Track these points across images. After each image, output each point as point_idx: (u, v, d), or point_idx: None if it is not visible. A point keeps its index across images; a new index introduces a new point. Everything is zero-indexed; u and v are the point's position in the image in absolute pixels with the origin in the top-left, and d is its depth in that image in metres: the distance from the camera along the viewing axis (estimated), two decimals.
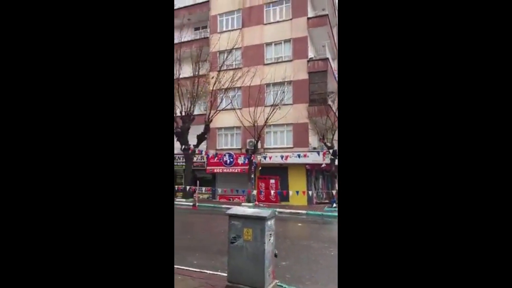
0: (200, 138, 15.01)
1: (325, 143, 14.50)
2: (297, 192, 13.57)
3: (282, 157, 14.30)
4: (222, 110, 15.12)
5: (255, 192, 14.24)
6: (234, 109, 15.05)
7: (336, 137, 14.15)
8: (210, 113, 14.82)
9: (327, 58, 15.60)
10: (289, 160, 14.34)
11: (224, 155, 15.59)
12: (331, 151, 14.04)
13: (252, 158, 14.19)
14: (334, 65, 16.96)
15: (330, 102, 15.05)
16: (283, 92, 14.84)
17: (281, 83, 15.23)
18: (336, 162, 14.19)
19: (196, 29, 19.32)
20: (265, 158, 14.70)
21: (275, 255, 3.52)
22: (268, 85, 15.68)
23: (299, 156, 14.05)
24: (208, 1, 18.13)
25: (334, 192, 13.10)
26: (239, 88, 15.58)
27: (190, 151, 14.76)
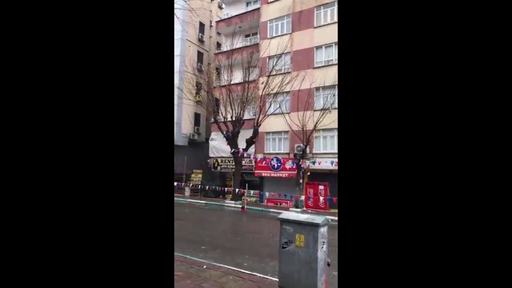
0: (249, 142, 15.32)
1: None
2: None
3: (332, 162, 13.84)
4: (271, 114, 15.23)
5: (303, 197, 13.99)
6: (282, 113, 15.06)
7: None
8: (259, 118, 15.05)
9: None
10: None
11: (272, 159, 15.64)
12: None
13: (300, 163, 14.00)
14: None
15: None
16: (334, 95, 14.39)
17: (331, 86, 14.82)
18: None
19: (247, 36, 19.86)
20: (314, 163, 14.37)
21: (328, 264, 3.40)
22: (317, 88, 15.39)
23: None
24: (258, 8, 18.55)
25: None
26: (288, 92, 15.54)
27: (239, 155, 15.14)
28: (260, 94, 14.86)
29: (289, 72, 15.90)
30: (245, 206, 12.90)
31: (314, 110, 14.25)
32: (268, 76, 14.80)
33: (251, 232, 8.32)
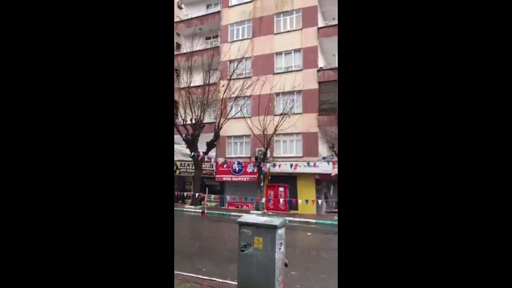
0: (210, 145, 15.12)
1: (335, 152, 14.40)
2: (306, 201, 13.45)
3: (291, 165, 14.27)
4: (232, 118, 15.24)
5: (264, 200, 14.18)
6: (244, 117, 15.16)
7: None
8: (220, 120, 14.95)
9: (337, 68, 15.61)
10: (299, 170, 14.28)
11: (234, 163, 15.63)
12: None
13: (261, 165, 14.18)
14: None
15: None
16: (293, 100, 14.87)
17: (291, 92, 15.29)
18: None
19: (207, 38, 19.59)
20: (274, 166, 14.66)
21: (285, 265, 3.50)
22: (278, 94, 15.76)
23: (308, 164, 13.98)
24: (219, 12, 18.48)
25: None
26: (249, 97, 15.70)
27: (199, 158, 14.86)
28: (221, 97, 14.80)
29: (250, 77, 16.07)
30: (205, 211, 12.69)
31: (274, 115, 14.57)
32: (229, 80, 14.81)
33: (211, 237, 8.20)
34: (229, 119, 15.15)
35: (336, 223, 11.13)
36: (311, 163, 13.98)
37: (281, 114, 14.15)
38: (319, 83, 15.30)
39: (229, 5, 18.09)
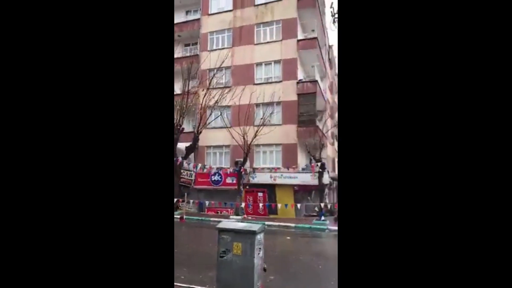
0: (189, 150, 14.94)
1: (313, 157, 14.70)
2: (286, 205, 13.60)
3: (270, 176, 14.47)
4: (212, 128, 15.14)
5: (243, 205, 14.17)
6: (224, 127, 15.09)
7: (323, 153, 14.35)
8: (199, 125, 14.82)
9: (316, 81, 15.91)
10: (278, 181, 14.51)
11: (213, 174, 15.57)
12: (319, 164, 14.22)
13: (241, 170, 14.20)
14: (323, 86, 17.28)
15: (318, 123, 15.33)
16: (272, 113, 14.96)
17: (271, 103, 15.35)
18: (324, 177, 14.37)
19: (187, 45, 19.34)
20: (253, 178, 14.81)
21: (264, 269, 3.54)
22: (258, 105, 15.72)
23: (289, 177, 14.19)
24: (199, 19, 18.35)
25: (322, 205, 13.19)
26: (229, 107, 15.67)
27: (178, 163, 14.63)
28: (200, 102, 14.68)
29: (230, 87, 15.99)
30: (184, 216, 12.50)
31: (254, 126, 14.53)
32: (208, 89, 14.67)
33: (189, 243, 8.09)
34: (209, 123, 15.05)
35: (315, 226, 11.34)
36: (291, 175, 14.18)
37: (259, 125, 14.08)
38: (298, 95, 15.51)
39: (209, 13, 18.02)
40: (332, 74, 25.99)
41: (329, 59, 23.80)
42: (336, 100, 25.22)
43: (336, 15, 13.69)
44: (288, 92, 15.60)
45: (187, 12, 20.02)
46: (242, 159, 14.30)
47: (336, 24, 13.73)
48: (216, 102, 14.55)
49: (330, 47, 24.77)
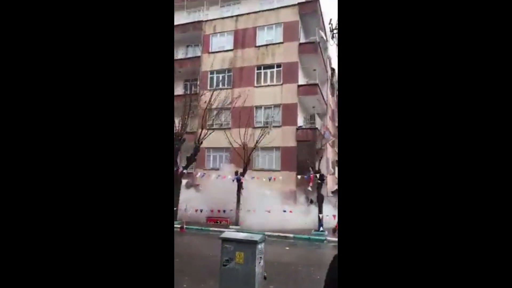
0: (190, 160, 15.08)
1: (312, 167, 14.86)
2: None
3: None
4: (212, 129, 15.18)
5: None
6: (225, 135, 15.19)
7: (321, 163, 14.47)
8: (200, 135, 14.94)
9: (317, 128, 16.10)
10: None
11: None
12: (317, 175, 14.38)
13: (241, 180, 14.34)
14: (323, 121, 17.63)
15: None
16: (272, 159, 15.15)
17: (270, 148, 15.31)
18: (323, 188, 14.52)
19: (186, 81, 19.19)
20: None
21: (264, 278, 3.71)
22: (257, 148, 15.19)
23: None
24: (199, 57, 18.37)
25: (321, 216, 13.28)
26: (228, 148, 15.45)
27: (178, 173, 14.76)
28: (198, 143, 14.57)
29: (229, 128, 16.02)
30: (184, 226, 12.58)
31: (253, 170, 14.45)
32: (207, 129, 14.63)
33: (190, 253, 8.19)
34: (213, 129, 15.11)
35: (313, 237, 11.43)
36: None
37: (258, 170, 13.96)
38: (298, 141, 15.60)
39: (210, 51, 18.14)
40: (334, 100, 25.39)
41: (331, 84, 23.58)
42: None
43: (335, 30, 14.12)
44: (288, 138, 15.67)
45: (187, 46, 19.99)
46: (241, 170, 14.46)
47: (335, 39, 14.15)
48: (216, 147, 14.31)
49: (333, 70, 24.20)
